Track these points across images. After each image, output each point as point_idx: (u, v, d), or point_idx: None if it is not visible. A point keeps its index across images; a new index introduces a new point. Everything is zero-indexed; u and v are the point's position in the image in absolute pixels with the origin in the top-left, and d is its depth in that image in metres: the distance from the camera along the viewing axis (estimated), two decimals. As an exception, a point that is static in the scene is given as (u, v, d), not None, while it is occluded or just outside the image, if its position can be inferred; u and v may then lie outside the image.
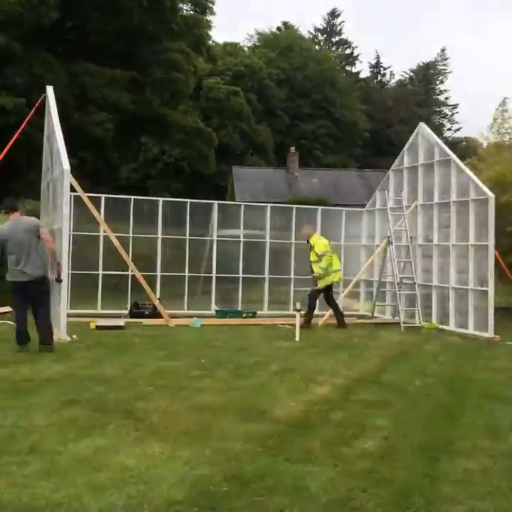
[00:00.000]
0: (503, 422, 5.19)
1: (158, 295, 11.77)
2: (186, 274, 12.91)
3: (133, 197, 13.07)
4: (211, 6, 24.73)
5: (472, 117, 73.29)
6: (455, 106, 57.65)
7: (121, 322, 10.32)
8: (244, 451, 4.19)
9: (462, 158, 13.83)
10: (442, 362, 8.17)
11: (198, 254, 13.17)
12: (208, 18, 25.08)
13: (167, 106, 23.09)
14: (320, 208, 14.50)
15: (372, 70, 59.46)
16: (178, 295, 12.77)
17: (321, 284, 11.13)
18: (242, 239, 13.41)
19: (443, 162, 11.93)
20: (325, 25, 58.53)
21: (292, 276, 13.61)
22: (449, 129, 56.75)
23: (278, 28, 53.92)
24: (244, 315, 11.92)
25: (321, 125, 45.15)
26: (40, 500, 3.35)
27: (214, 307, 12.40)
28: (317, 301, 11.39)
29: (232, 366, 7.19)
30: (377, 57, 58.94)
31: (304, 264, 12.16)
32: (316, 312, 11.35)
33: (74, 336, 8.79)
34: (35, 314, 7.88)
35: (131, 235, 12.45)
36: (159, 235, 12.71)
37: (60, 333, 8.64)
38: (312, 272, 11.23)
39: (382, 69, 59.57)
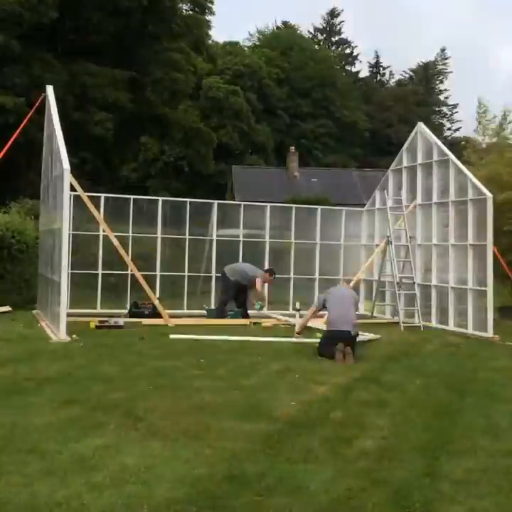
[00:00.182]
0: (503, 422, 5.19)
1: (157, 295, 11.77)
2: (186, 273, 12.91)
3: (133, 196, 13.06)
4: (211, 5, 24.79)
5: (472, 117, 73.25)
6: (455, 106, 57.73)
7: (120, 322, 10.32)
8: (244, 451, 4.19)
9: (461, 157, 13.85)
10: (442, 362, 8.17)
11: (197, 254, 13.17)
12: (207, 17, 25.15)
13: (167, 105, 23.11)
14: (320, 207, 14.50)
15: (371, 69, 59.51)
16: (178, 295, 12.77)
17: None
18: (241, 238, 13.40)
19: (441, 162, 11.93)
20: (324, 25, 58.55)
21: (292, 276, 13.61)
22: (449, 129, 56.83)
23: (278, 28, 53.96)
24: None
25: (321, 125, 45.17)
26: (40, 500, 3.35)
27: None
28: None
29: (231, 366, 7.19)
30: (377, 56, 59.03)
31: (303, 264, 12.17)
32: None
33: (74, 336, 8.79)
34: None
35: (130, 234, 12.45)
36: (159, 235, 12.71)
37: (60, 333, 8.64)
38: None
39: (381, 68, 59.65)
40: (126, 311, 11.75)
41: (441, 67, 58.17)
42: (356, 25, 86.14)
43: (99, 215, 11.09)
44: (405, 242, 12.41)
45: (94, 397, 5.50)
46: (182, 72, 22.71)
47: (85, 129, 19.18)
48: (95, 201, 11.30)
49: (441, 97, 58.20)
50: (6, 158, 10.84)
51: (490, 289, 10.49)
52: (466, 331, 10.88)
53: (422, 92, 54.21)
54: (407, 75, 58.74)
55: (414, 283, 11.97)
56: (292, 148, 36.25)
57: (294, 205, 14.53)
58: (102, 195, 12.36)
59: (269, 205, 13.87)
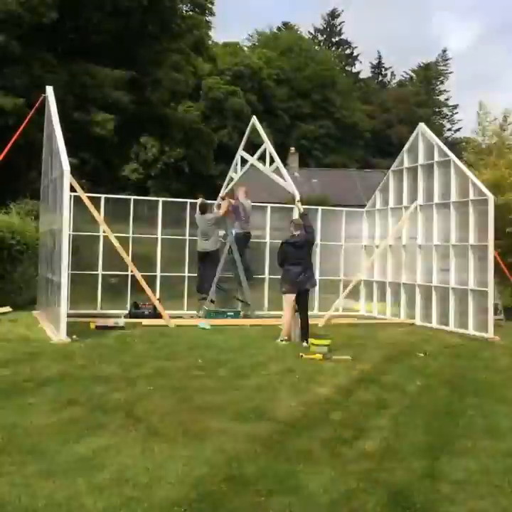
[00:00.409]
0: (503, 422, 5.19)
1: (157, 295, 11.76)
2: (186, 274, 12.91)
3: (133, 197, 13.04)
4: (211, 6, 24.79)
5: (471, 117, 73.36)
6: (455, 106, 57.77)
7: (120, 322, 10.31)
8: (244, 451, 4.19)
9: (462, 158, 13.86)
10: (442, 362, 8.16)
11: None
12: (207, 18, 25.15)
13: (167, 106, 23.11)
14: (320, 208, 14.48)
15: (373, 70, 59.56)
16: (178, 295, 12.76)
17: None
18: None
19: (443, 163, 11.93)
20: (325, 26, 58.59)
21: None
22: (449, 129, 56.87)
23: (278, 28, 54.02)
24: (226, 315, 11.83)
25: (321, 125, 45.20)
26: (40, 500, 3.34)
27: (205, 307, 12.40)
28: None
29: (231, 366, 7.19)
30: (379, 57, 59.08)
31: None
32: (316, 312, 11.34)
33: (74, 336, 8.78)
34: None
35: (130, 235, 12.44)
36: (159, 235, 12.70)
37: (60, 334, 8.64)
38: None
39: (383, 69, 59.70)
40: (126, 312, 11.74)
41: (442, 68, 58.22)
42: (356, 26, 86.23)
43: (100, 216, 11.08)
44: (405, 243, 12.39)
45: (94, 397, 5.50)
46: (182, 73, 22.70)
47: (85, 129, 19.16)
48: (95, 202, 11.29)
49: (442, 98, 58.28)
50: (6, 160, 10.83)
51: (491, 290, 10.49)
52: (466, 332, 10.88)
53: (422, 93, 54.24)
54: (408, 76, 58.81)
55: (414, 283, 11.95)
56: (292, 149, 36.26)
57: (294, 206, 14.50)
58: (102, 196, 12.36)
59: (269, 205, 13.85)
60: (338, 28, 58.41)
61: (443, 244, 11.80)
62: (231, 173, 13.57)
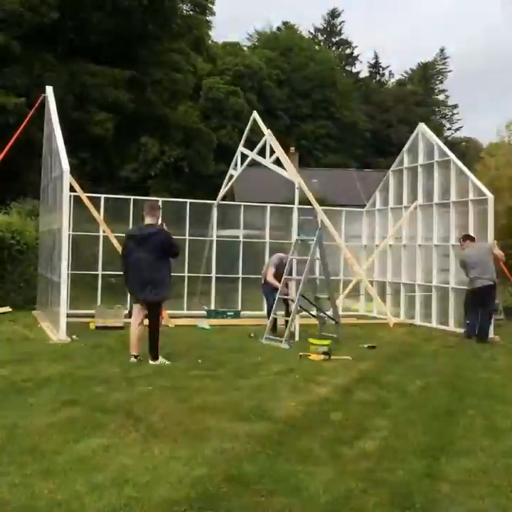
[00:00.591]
0: (503, 422, 5.19)
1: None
2: (185, 274, 12.90)
3: (133, 197, 13.04)
4: (211, 6, 24.78)
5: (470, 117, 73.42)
6: (454, 106, 57.72)
7: (120, 322, 10.30)
8: (244, 451, 4.19)
9: (462, 158, 13.84)
10: (442, 362, 8.16)
11: (197, 255, 13.16)
12: (207, 18, 25.14)
13: (167, 106, 23.09)
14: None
15: (370, 69, 59.48)
16: (178, 295, 12.75)
17: None
18: (241, 239, 13.38)
19: (443, 162, 11.93)
20: (325, 25, 58.55)
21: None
22: (449, 129, 56.84)
23: (278, 28, 53.96)
24: (225, 315, 11.81)
25: (321, 125, 45.15)
26: (40, 500, 3.34)
27: (205, 307, 12.40)
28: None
29: (231, 366, 7.19)
30: (376, 57, 59.01)
31: (304, 265, 12.03)
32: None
33: (74, 336, 8.78)
34: None
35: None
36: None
37: (60, 334, 8.64)
38: None
39: (381, 69, 59.63)
40: (126, 312, 11.73)
41: (440, 67, 58.18)
42: (356, 26, 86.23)
43: (99, 216, 11.09)
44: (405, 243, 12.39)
45: (94, 397, 5.50)
46: (182, 73, 22.71)
47: (85, 129, 19.16)
48: (95, 202, 11.30)
49: (441, 97, 58.23)
50: (6, 159, 10.83)
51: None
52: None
53: (421, 93, 54.21)
54: (407, 75, 58.74)
55: (414, 283, 11.96)
56: (292, 149, 36.22)
57: (294, 206, 14.49)
58: (102, 196, 12.36)
59: (269, 205, 13.85)
60: (338, 28, 58.40)
61: (443, 244, 11.81)
62: (231, 171, 13.59)
